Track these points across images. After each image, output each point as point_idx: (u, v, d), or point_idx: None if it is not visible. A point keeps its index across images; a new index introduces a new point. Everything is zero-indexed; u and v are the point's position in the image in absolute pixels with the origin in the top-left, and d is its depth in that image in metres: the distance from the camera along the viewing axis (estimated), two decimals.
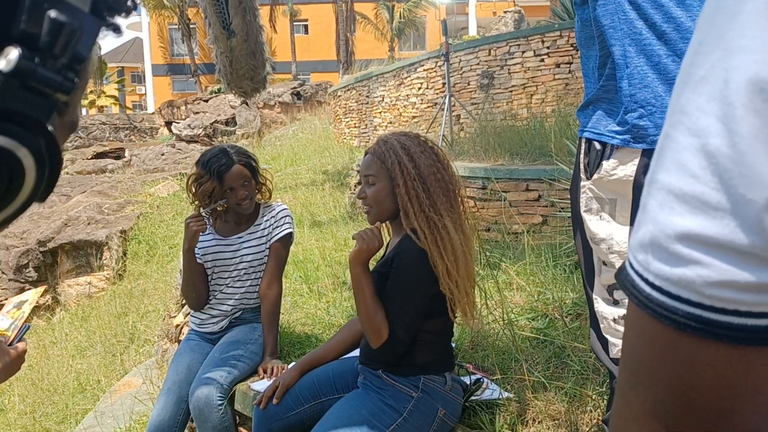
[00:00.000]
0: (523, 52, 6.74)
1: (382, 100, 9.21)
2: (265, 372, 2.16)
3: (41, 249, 7.63)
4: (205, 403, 2.02)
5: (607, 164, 1.17)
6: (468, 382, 1.79)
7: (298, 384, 1.84)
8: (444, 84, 7.05)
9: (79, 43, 0.32)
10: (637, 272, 0.32)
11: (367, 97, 9.68)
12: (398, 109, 8.81)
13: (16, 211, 0.33)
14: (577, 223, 1.29)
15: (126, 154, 14.27)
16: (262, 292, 2.30)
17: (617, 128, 1.15)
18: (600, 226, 1.21)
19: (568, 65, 6.41)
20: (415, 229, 1.55)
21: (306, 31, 26.78)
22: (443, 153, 1.67)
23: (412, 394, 1.60)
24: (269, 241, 2.34)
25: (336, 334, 2.01)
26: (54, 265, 7.72)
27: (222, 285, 2.35)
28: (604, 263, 1.23)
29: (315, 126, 12.22)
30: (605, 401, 1.66)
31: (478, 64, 7.24)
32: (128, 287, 6.49)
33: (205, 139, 14.25)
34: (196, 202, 2.27)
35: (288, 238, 2.36)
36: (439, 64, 7.69)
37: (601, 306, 1.26)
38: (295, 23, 23.63)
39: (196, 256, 2.29)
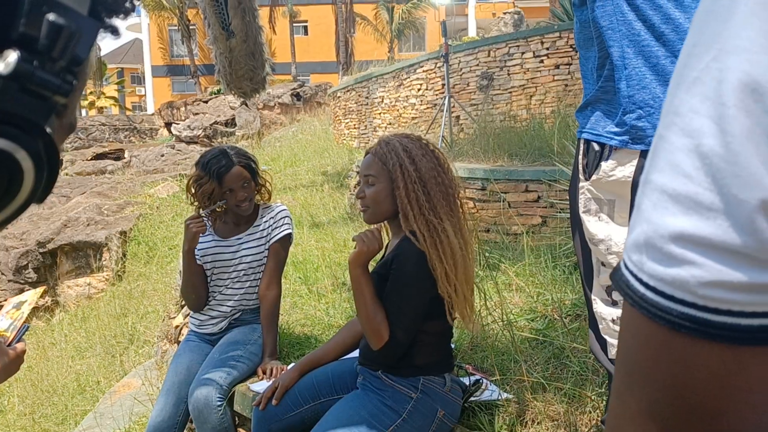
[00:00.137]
0: (523, 53, 6.75)
1: (382, 101, 9.22)
2: (264, 373, 2.16)
3: (41, 250, 7.63)
4: (205, 404, 2.02)
5: (605, 165, 1.17)
6: (467, 383, 1.79)
7: (298, 385, 1.84)
8: (443, 85, 7.05)
9: (77, 46, 0.32)
10: (631, 272, 0.32)
11: (367, 98, 9.68)
12: (398, 110, 8.81)
13: (14, 212, 0.33)
14: (576, 224, 1.29)
15: (125, 155, 14.27)
16: (261, 293, 2.30)
17: (616, 129, 1.16)
18: (598, 227, 1.21)
19: (568, 66, 6.41)
20: (414, 232, 1.56)
21: (305, 32, 26.80)
22: (444, 156, 1.67)
23: (412, 395, 1.60)
24: (268, 242, 2.34)
25: (335, 335, 2.01)
26: (53, 266, 7.71)
27: (221, 286, 2.35)
28: (603, 264, 1.23)
29: (314, 127, 12.22)
30: (604, 402, 1.67)
31: (477, 65, 7.25)
32: (128, 288, 6.49)
33: (205, 140, 14.25)
34: (196, 203, 2.28)
35: (287, 239, 2.36)
36: (438, 65, 7.69)
37: (599, 307, 1.27)
38: (294, 24, 23.64)
39: (196, 257, 2.29)
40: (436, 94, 7.87)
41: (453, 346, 1.84)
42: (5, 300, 2.41)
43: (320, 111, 14.10)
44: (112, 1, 0.36)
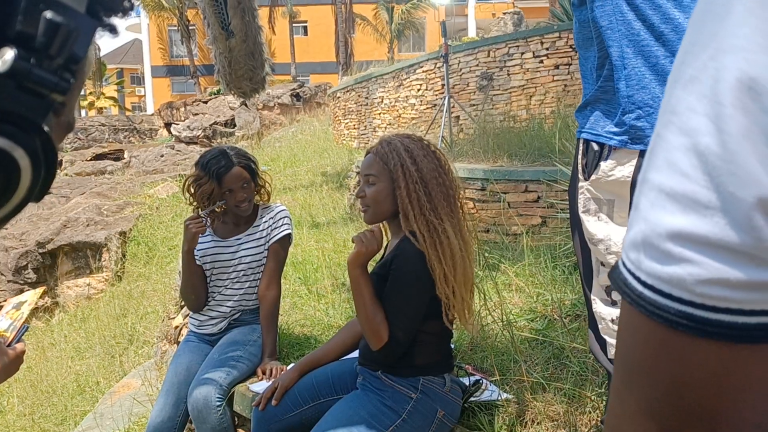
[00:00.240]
0: (522, 53, 6.75)
1: (382, 102, 9.22)
2: (264, 373, 2.16)
3: (40, 250, 7.63)
4: (204, 404, 2.02)
5: (605, 165, 1.17)
6: (467, 383, 1.79)
7: (297, 385, 1.84)
8: (443, 85, 7.05)
9: (75, 44, 0.32)
10: (629, 271, 0.32)
11: (367, 98, 9.68)
12: (397, 111, 8.81)
13: (12, 211, 0.33)
14: (576, 224, 1.29)
15: (125, 155, 14.28)
16: (260, 293, 2.30)
17: (615, 129, 1.16)
18: (598, 226, 1.21)
19: (567, 66, 6.42)
20: (414, 232, 1.55)
21: (305, 33, 26.80)
22: (445, 158, 1.67)
23: (411, 395, 1.60)
24: (268, 242, 2.34)
25: (335, 335, 2.01)
26: (53, 266, 7.72)
27: (221, 286, 2.34)
28: (602, 264, 1.23)
29: (314, 127, 12.22)
30: (604, 402, 1.67)
31: (477, 65, 7.25)
32: (127, 289, 6.49)
33: (205, 140, 14.25)
34: (195, 204, 2.28)
35: (287, 240, 2.36)
36: (438, 65, 7.69)
37: (599, 307, 1.27)
38: (294, 25, 23.64)
39: (195, 257, 2.29)
40: (436, 95, 7.87)
41: (453, 346, 1.84)
42: (5, 300, 2.41)
43: (320, 111, 14.11)
44: (110, 0, 0.36)
